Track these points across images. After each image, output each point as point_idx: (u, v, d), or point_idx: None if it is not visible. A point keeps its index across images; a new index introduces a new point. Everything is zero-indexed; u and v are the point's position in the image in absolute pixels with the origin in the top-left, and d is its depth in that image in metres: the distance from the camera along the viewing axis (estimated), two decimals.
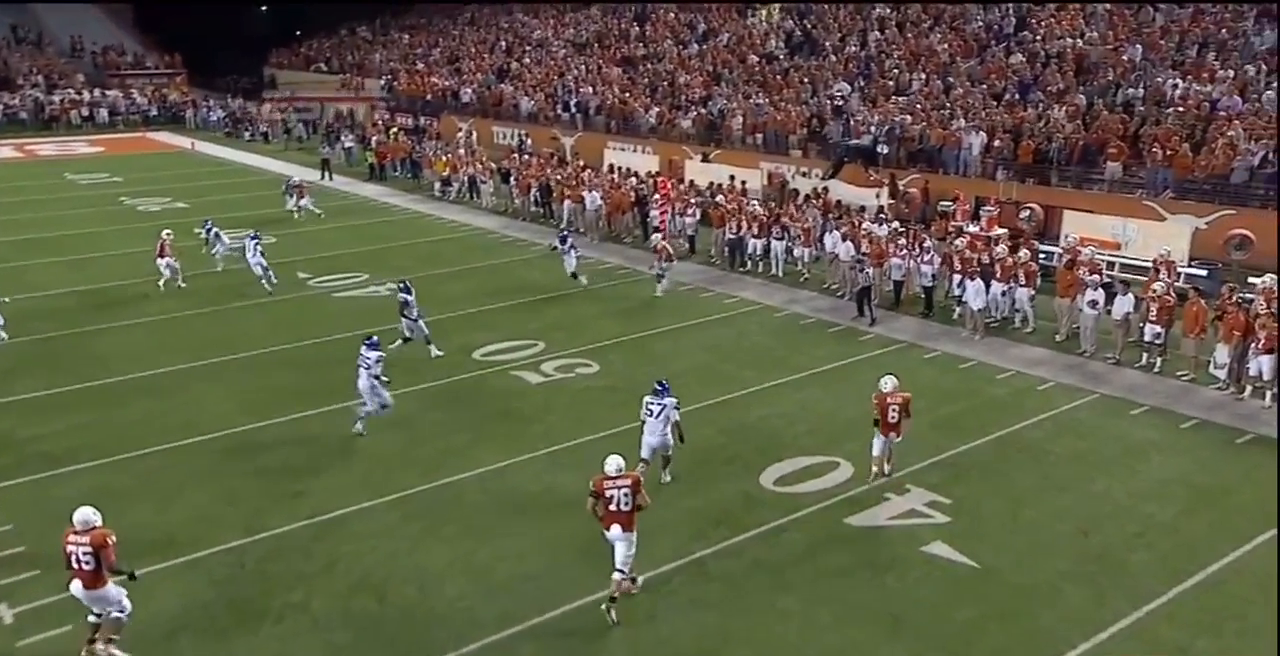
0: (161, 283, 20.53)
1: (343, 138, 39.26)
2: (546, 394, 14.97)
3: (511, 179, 29.07)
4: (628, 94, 36.86)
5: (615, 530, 9.29)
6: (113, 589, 8.66)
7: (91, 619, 8.76)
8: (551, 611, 9.41)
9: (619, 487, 9.25)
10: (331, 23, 61.97)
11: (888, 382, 11.82)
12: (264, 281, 20.36)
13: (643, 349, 16.99)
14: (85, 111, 50.34)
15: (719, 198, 24.56)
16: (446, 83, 45.55)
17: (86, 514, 8.61)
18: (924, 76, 30.10)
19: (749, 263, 22.12)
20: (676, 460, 11.87)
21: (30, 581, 9.91)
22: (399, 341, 16.21)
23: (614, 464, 9.35)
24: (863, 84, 31.23)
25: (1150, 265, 18.11)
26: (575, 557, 10.26)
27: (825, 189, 25.36)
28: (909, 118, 27.56)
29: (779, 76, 33.93)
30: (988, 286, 17.37)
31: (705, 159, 30.66)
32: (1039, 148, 24.27)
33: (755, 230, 21.89)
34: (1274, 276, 15.16)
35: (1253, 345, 14.23)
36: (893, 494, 11.66)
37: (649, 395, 11.57)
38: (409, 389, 14.61)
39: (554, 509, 11.29)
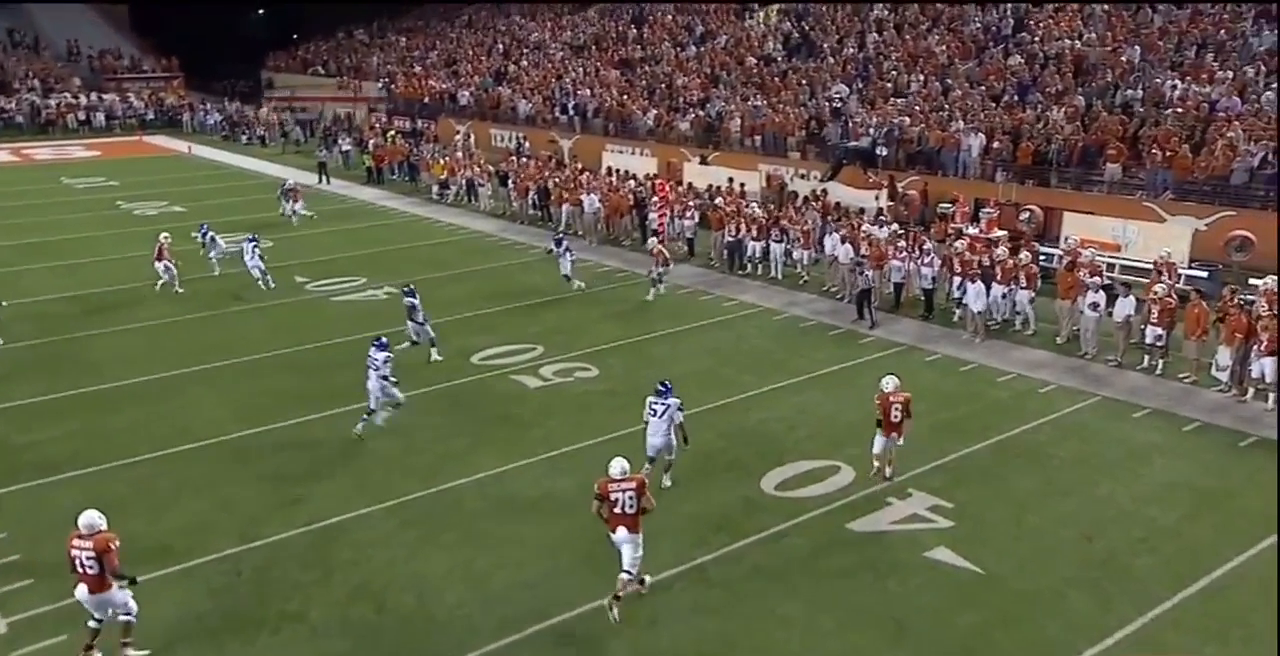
0: (159, 284, 20.48)
1: (340, 141, 39.20)
2: (545, 398, 14.88)
3: (509, 182, 28.98)
4: (626, 96, 36.81)
5: (621, 533, 9.24)
6: (117, 592, 8.64)
7: (91, 624, 8.68)
8: (551, 619, 9.31)
9: (623, 490, 9.20)
10: (329, 25, 61.93)
11: (889, 382, 11.76)
12: (262, 283, 20.41)
13: (642, 353, 16.91)
14: (82, 115, 50.30)
15: (718, 200, 24.47)
16: (444, 85, 45.49)
17: (92, 517, 8.59)
18: (922, 78, 30.06)
19: (748, 265, 22.05)
20: (677, 464, 11.79)
21: (24, 590, 9.81)
22: (406, 344, 16.18)
23: (618, 466, 9.31)
24: (861, 86, 31.19)
25: (1151, 267, 18.05)
26: (574, 564, 10.18)
27: (824, 191, 25.28)
28: (907, 119, 27.52)
29: (777, 78, 33.88)
30: (988, 289, 17.30)
31: (704, 161, 30.58)
32: (1038, 149, 24.22)
33: (754, 233, 21.82)
34: (1275, 278, 15.09)
35: (1255, 347, 14.17)
36: (895, 498, 11.58)
37: (652, 395, 11.51)
38: (407, 394, 14.45)
39: (553, 515, 11.22)
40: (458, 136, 39.75)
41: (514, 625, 9.22)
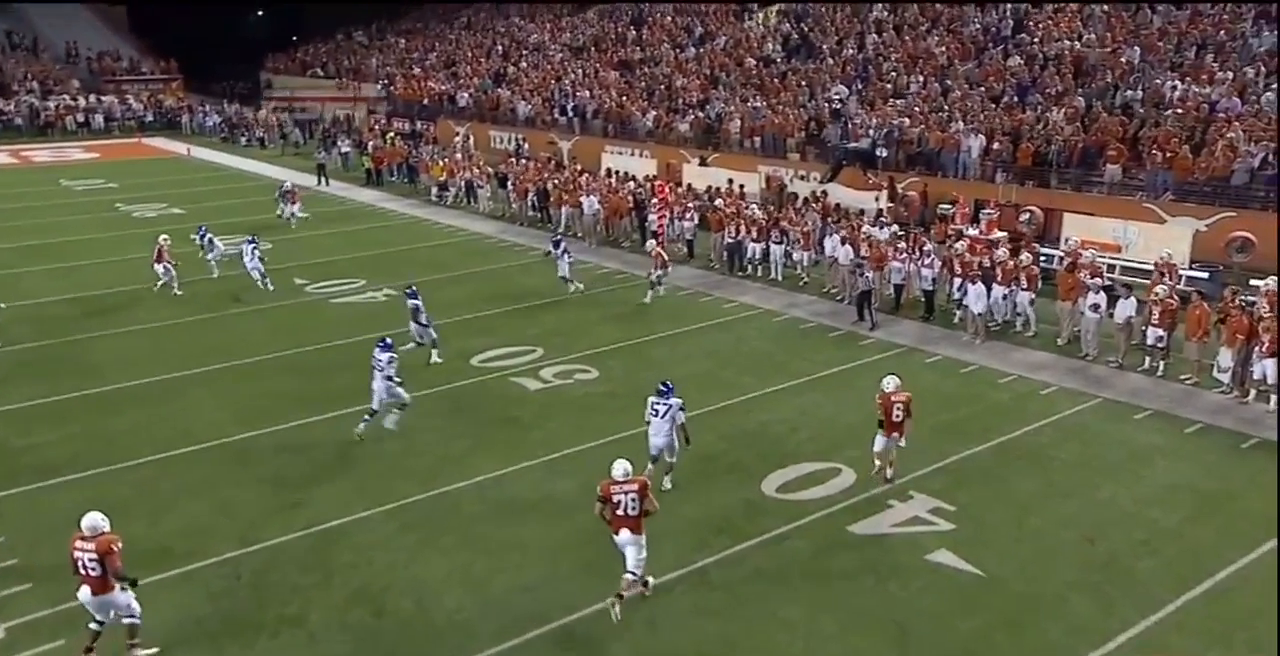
0: (158, 286, 20.46)
1: (339, 143, 39.18)
2: (545, 400, 14.85)
3: (509, 183, 28.95)
4: (625, 97, 36.79)
5: (624, 534, 9.22)
6: (119, 594, 8.63)
7: (92, 626, 8.65)
8: (551, 622, 9.28)
9: (626, 492, 9.18)
10: (328, 27, 61.93)
11: (890, 382, 11.73)
12: (261, 285, 20.41)
13: (641, 354, 16.87)
14: (80, 117, 50.26)
15: (717, 201, 24.44)
16: (443, 87, 45.48)
17: (95, 519, 8.59)
18: (922, 79, 30.05)
19: (748, 267, 22.02)
20: (678, 466, 11.75)
21: (22, 595, 9.78)
22: (411, 345, 16.17)
23: (621, 468, 9.28)
24: (860, 87, 31.17)
25: (1151, 268, 18.03)
26: (574, 568, 10.15)
27: (824, 192, 25.27)
28: (907, 120, 27.51)
29: (777, 79, 33.87)
30: (989, 290, 17.27)
31: (703, 162, 30.56)
32: (1038, 150, 24.21)
33: (754, 234, 21.80)
34: (1276, 279, 15.05)
35: (1256, 348, 14.15)
36: (896, 500, 11.55)
37: (654, 395, 11.49)
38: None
39: (553, 517, 11.19)
40: (457, 138, 39.74)
41: (514, 628, 9.19)
